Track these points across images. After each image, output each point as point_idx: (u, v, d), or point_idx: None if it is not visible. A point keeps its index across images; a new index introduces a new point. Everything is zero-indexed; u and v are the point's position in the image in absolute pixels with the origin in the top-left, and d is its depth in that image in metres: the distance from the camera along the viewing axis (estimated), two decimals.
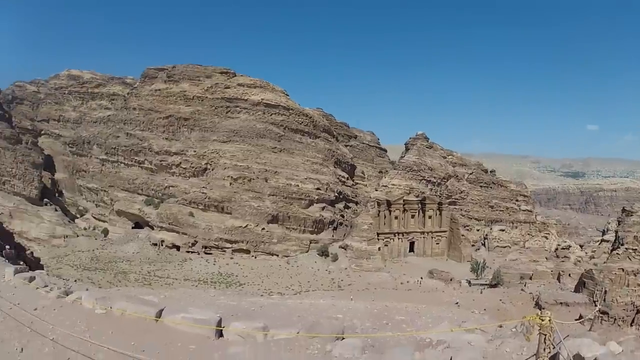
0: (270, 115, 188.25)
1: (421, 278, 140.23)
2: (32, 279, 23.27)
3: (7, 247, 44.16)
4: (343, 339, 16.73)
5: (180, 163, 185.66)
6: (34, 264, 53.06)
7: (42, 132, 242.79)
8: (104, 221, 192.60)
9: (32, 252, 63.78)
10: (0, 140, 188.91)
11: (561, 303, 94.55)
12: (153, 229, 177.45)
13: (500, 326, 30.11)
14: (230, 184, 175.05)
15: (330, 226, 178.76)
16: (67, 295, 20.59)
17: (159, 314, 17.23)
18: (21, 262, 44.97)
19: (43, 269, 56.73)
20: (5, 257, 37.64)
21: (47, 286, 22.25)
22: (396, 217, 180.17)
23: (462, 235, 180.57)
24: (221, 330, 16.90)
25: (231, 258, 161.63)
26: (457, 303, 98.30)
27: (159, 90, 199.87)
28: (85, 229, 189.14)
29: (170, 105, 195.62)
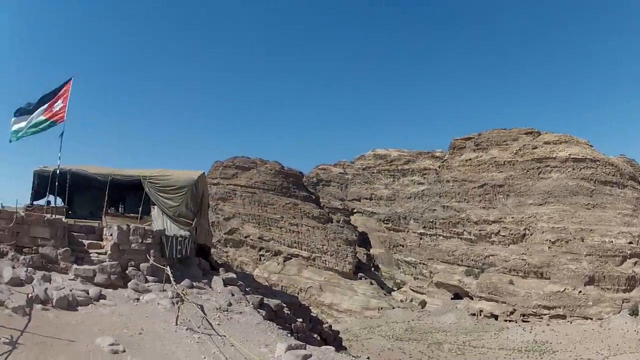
0: (580, 170, 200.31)
1: None
2: (306, 356, 23.76)
3: (299, 320, 48.29)
4: None
5: (499, 231, 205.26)
6: (330, 338, 55.77)
7: (354, 210, 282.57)
8: (422, 293, 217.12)
9: (330, 326, 63.32)
10: (310, 219, 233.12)
11: None
12: (472, 299, 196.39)
13: None
14: (549, 247, 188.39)
15: None
16: None
17: None
18: (315, 335, 49.12)
19: (341, 343, 62.24)
20: (294, 331, 41.66)
21: None
22: None
23: None
24: None
25: (547, 325, 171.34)
26: None
27: (470, 159, 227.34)
28: (401, 301, 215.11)
29: (483, 174, 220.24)
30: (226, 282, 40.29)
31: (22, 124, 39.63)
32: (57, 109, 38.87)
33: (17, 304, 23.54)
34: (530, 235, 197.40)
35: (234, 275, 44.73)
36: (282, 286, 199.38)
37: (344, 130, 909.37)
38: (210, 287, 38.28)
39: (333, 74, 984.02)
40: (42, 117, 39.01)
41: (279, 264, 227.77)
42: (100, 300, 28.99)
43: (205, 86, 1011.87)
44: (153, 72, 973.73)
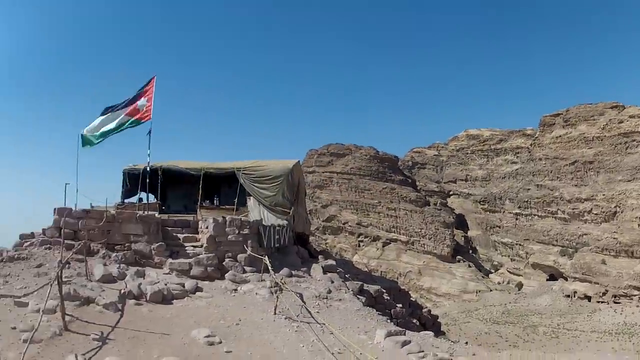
0: None
1: None
2: (405, 342, 23.79)
3: (399, 305, 48.19)
4: None
5: (591, 209, 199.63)
6: (429, 322, 55.22)
7: (450, 192, 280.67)
8: (518, 275, 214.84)
9: (429, 310, 62.61)
10: (407, 203, 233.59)
11: None
12: (567, 279, 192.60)
13: None
14: (639, 225, 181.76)
15: None
16: None
17: None
18: (414, 320, 48.24)
19: (440, 328, 60.81)
20: (394, 316, 41.08)
21: (421, 351, 23.03)
22: None
23: None
24: None
25: (637, 306, 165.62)
26: None
27: (560, 136, 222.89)
28: (499, 283, 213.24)
29: (574, 150, 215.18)
30: (325, 270, 40.00)
31: (98, 132, 39.07)
32: (142, 107, 39.23)
33: (108, 300, 23.89)
34: (621, 212, 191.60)
35: (334, 262, 44.62)
36: (381, 271, 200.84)
37: (436, 111, 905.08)
38: (310, 275, 38.07)
39: (421, 57, 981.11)
40: (125, 117, 39.04)
41: (377, 249, 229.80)
42: (197, 293, 29.18)
43: (295, 76, 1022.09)
44: (243, 66, 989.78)
